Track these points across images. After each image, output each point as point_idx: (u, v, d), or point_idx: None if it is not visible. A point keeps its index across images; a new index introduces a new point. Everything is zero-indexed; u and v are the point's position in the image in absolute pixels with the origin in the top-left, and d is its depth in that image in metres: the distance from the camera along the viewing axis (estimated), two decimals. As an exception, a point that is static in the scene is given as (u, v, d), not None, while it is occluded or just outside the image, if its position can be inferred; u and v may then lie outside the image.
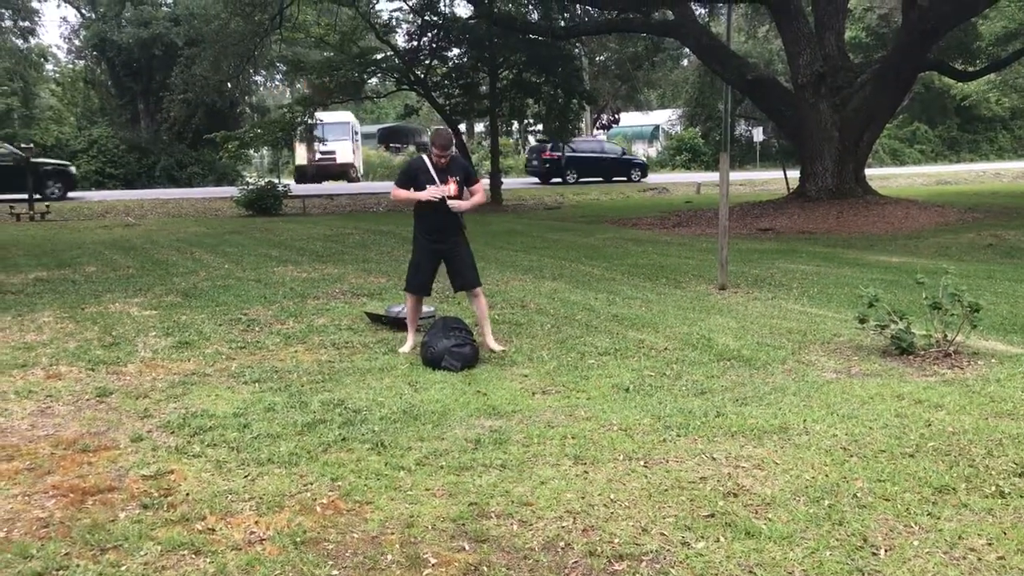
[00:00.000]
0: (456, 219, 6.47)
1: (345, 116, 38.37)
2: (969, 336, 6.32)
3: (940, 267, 6.59)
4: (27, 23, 39.82)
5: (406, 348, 6.54)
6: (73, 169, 27.31)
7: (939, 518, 3.50)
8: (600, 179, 34.91)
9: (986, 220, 16.74)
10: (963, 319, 6.08)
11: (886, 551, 3.24)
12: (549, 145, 33.07)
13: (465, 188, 6.51)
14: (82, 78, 41.90)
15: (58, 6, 68.07)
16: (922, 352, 6.12)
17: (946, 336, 6.16)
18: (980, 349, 6.30)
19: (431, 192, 6.27)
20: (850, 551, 3.23)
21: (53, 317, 8.03)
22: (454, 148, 6.50)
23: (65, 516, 3.63)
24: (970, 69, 25.48)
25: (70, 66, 45.68)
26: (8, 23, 38.26)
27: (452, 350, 6.03)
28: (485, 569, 3.16)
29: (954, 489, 3.77)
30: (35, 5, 39.81)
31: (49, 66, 47.29)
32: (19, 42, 40.65)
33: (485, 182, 25.28)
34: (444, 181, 6.34)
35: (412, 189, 6.41)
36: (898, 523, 3.46)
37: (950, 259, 11.19)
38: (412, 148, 45.51)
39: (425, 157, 6.45)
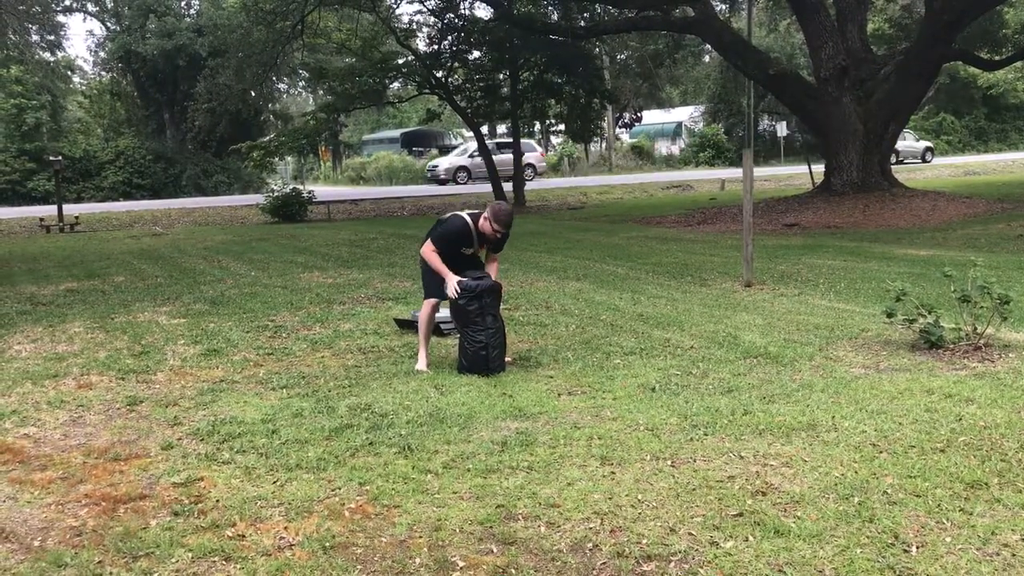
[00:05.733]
0: (480, 262, 6.41)
1: None
2: (999, 328, 6.24)
3: (969, 259, 6.50)
4: (53, 37, 40.32)
5: (422, 365, 6.18)
6: None
7: (971, 514, 3.46)
8: None
9: (1016, 210, 16.51)
10: (993, 311, 6.00)
11: (918, 548, 3.20)
12: None
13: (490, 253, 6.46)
14: (108, 90, 42.43)
15: (84, 19, 69.18)
16: (951, 346, 6.05)
17: (976, 329, 6.08)
18: (1011, 341, 6.22)
19: (452, 289, 6.01)
20: (881, 548, 3.20)
21: (83, 327, 8.13)
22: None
23: (98, 524, 3.67)
24: (996, 58, 25.11)
25: (96, 78, 46.26)
26: (35, 37, 38.74)
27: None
28: (513, 572, 3.16)
29: (986, 484, 3.73)
30: (61, 19, 40.32)
31: (76, 79, 47.92)
32: (46, 56, 41.19)
33: (508, 187, 25.40)
34: (481, 246, 6.34)
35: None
36: (930, 519, 3.42)
37: (979, 251, 11.04)
38: (434, 151, 45.62)
39: (469, 221, 6.19)
